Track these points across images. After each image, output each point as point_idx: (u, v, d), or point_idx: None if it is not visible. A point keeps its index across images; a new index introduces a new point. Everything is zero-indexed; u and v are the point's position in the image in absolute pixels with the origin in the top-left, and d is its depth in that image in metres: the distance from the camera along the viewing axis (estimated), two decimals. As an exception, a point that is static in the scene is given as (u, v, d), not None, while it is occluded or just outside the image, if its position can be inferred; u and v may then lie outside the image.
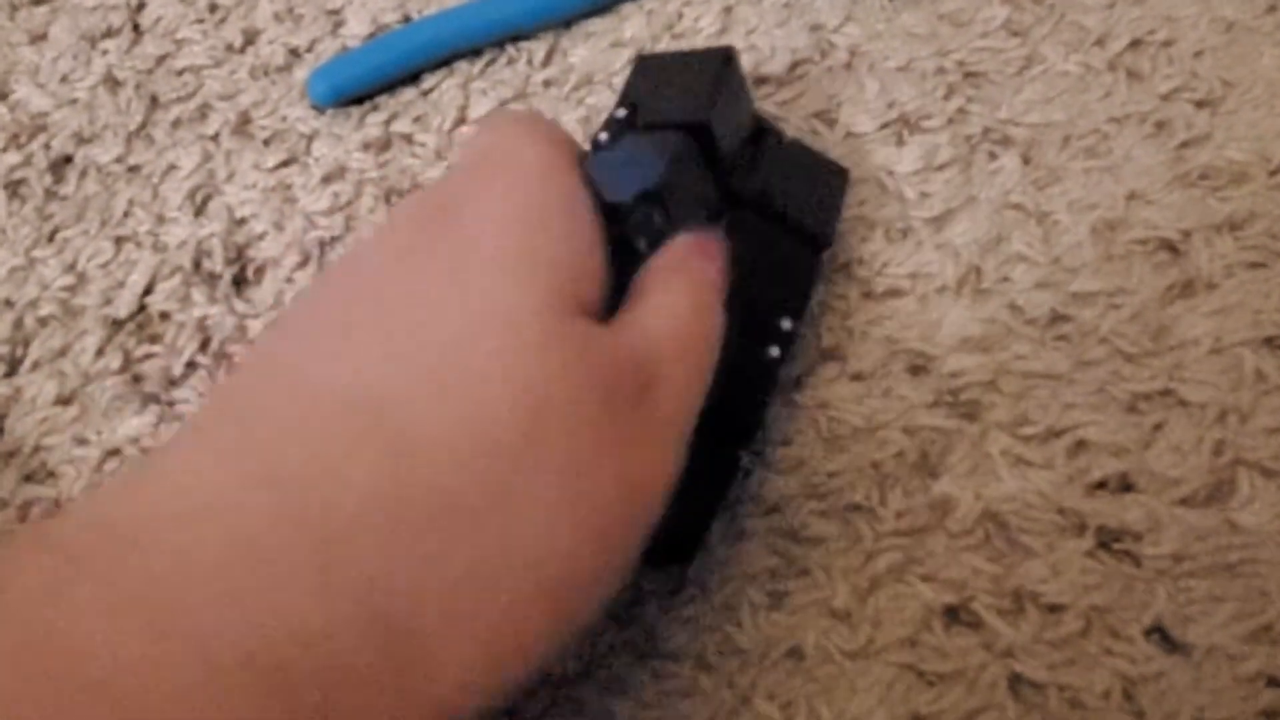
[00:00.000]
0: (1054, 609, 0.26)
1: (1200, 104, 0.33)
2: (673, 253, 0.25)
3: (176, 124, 0.36)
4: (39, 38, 0.38)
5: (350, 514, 0.18)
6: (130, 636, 0.16)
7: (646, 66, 0.29)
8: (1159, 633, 0.26)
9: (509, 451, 0.19)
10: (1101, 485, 0.27)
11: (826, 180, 0.31)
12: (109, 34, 0.38)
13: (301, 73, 0.36)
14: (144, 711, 0.15)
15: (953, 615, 0.26)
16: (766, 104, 0.34)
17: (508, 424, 0.19)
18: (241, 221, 0.34)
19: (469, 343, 0.20)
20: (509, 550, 0.18)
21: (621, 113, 0.28)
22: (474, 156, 0.24)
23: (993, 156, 0.32)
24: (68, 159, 0.35)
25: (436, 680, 0.17)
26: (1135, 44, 0.34)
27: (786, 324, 0.28)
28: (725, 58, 0.28)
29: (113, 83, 0.36)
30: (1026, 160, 0.32)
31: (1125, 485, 0.27)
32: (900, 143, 0.33)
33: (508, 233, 0.22)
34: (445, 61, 0.36)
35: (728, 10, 0.36)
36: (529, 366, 0.20)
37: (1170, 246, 0.30)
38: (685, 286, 0.24)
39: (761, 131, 0.30)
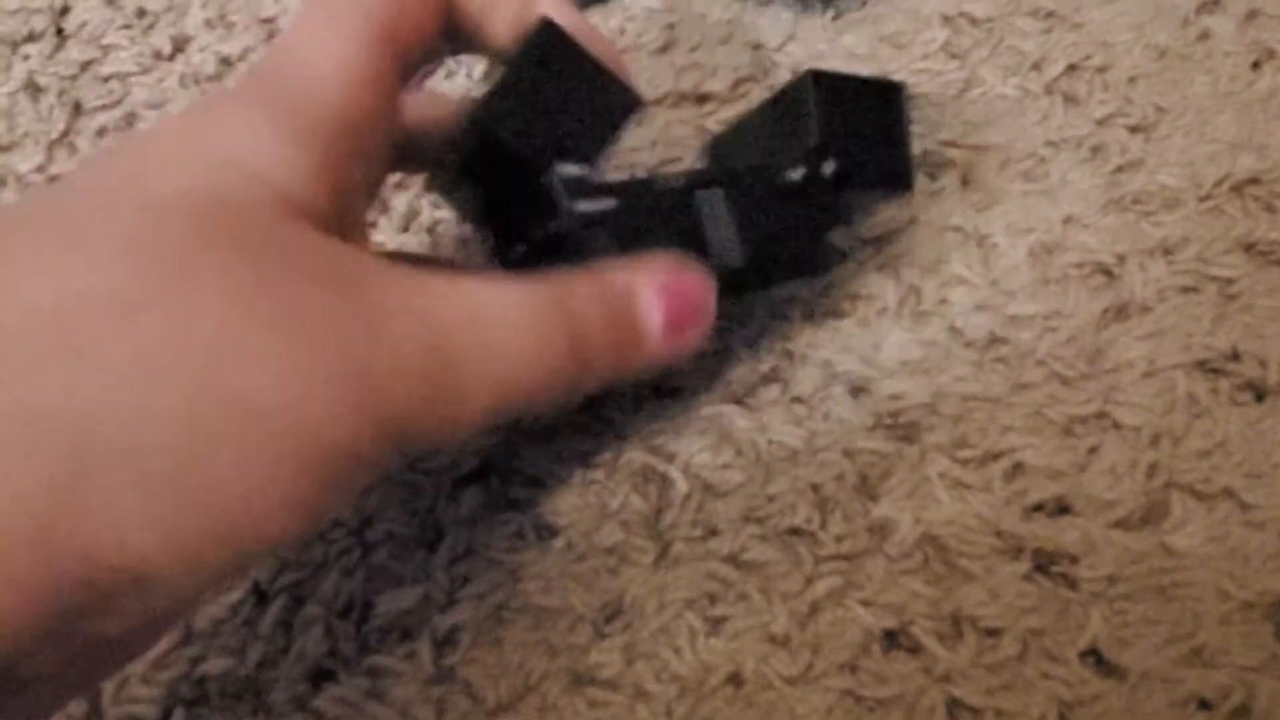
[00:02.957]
0: (991, 633, 0.26)
1: (1134, 129, 0.33)
2: (618, 279, 0.22)
3: (101, 132, 0.34)
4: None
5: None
6: None
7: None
8: (1094, 656, 0.26)
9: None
10: (1039, 508, 0.27)
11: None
12: (31, 38, 0.36)
13: (232, 82, 0.35)
14: None
15: (892, 640, 0.26)
16: (708, 121, 0.34)
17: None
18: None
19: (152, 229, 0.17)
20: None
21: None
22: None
23: (932, 178, 0.32)
24: (-15, 167, 0.34)
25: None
26: (1071, 69, 0.34)
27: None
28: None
29: (34, 89, 0.35)
30: (965, 182, 0.32)
31: (1062, 508, 0.27)
32: (841, 163, 0.33)
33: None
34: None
35: (670, 26, 0.35)
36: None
37: (1105, 270, 0.31)
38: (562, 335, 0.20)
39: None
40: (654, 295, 0.21)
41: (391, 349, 0.17)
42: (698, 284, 0.22)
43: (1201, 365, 0.29)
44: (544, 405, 0.20)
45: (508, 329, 0.19)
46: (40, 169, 0.34)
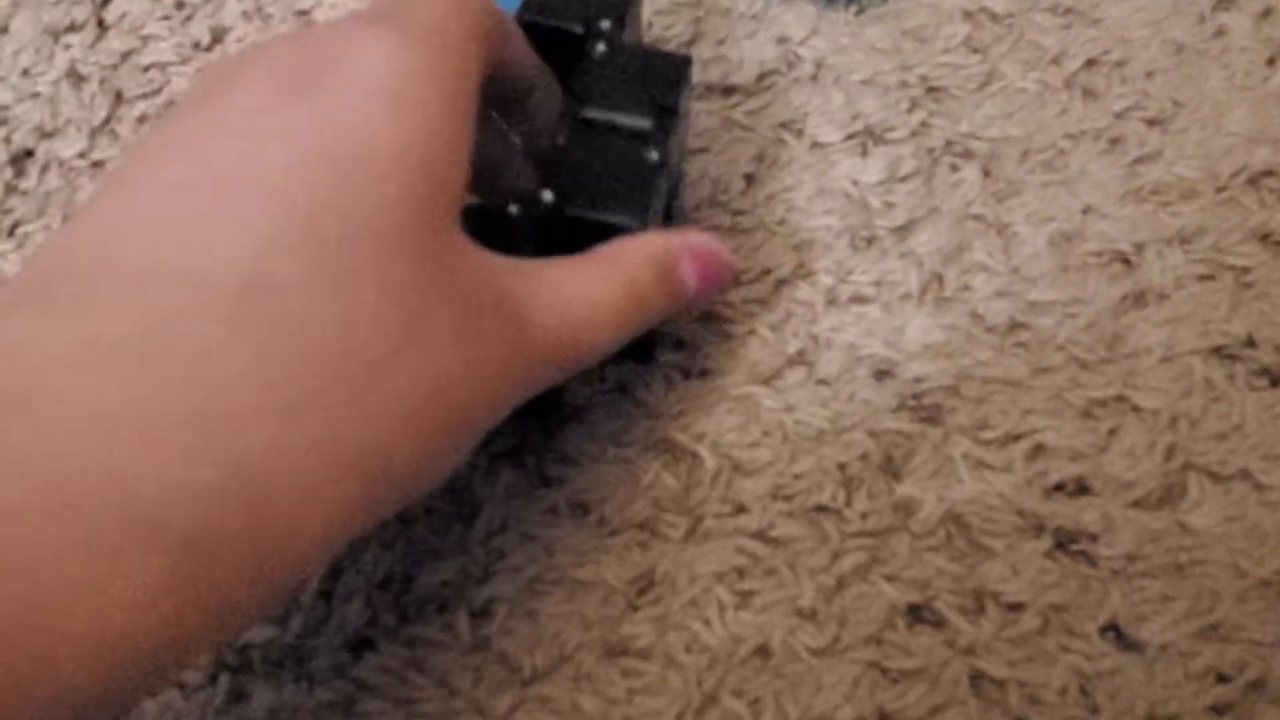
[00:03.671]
0: (1013, 608, 0.27)
1: (1152, 122, 0.34)
2: (667, 247, 0.26)
3: (141, 120, 0.35)
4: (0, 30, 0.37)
5: (213, 386, 0.18)
6: (9, 491, 0.16)
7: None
8: (1114, 631, 0.27)
9: (372, 355, 0.20)
10: (1059, 488, 0.28)
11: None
12: (72, 28, 0.37)
13: (270, 72, 0.36)
14: (29, 561, 0.16)
15: (916, 614, 0.27)
16: (735, 113, 0.34)
17: (374, 328, 0.20)
18: (208, 219, 0.33)
19: (339, 241, 0.20)
20: (362, 425, 0.20)
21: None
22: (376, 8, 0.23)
23: (954, 169, 0.33)
24: (29, 153, 0.35)
25: (296, 536, 0.19)
26: (1090, 63, 0.35)
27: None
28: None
29: (76, 77, 0.36)
30: (987, 173, 0.33)
31: (1082, 488, 0.28)
32: (865, 154, 0.33)
33: (381, 114, 0.21)
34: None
35: (697, 20, 0.36)
36: (402, 275, 0.20)
37: (1124, 258, 0.31)
38: (629, 296, 0.25)
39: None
40: (690, 261, 0.26)
41: (534, 331, 0.23)
42: (721, 250, 0.27)
43: (1218, 351, 0.30)
44: (619, 345, 0.25)
45: (596, 305, 0.24)
46: (82, 154, 0.35)
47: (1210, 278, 0.31)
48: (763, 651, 0.27)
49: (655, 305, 0.25)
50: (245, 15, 0.37)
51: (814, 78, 0.35)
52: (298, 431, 0.19)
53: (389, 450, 0.20)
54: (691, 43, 0.36)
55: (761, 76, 0.35)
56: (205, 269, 0.19)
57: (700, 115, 0.34)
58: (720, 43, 0.36)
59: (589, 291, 0.24)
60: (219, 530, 0.17)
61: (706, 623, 0.27)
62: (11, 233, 0.33)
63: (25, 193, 0.34)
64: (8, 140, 0.35)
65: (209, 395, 0.18)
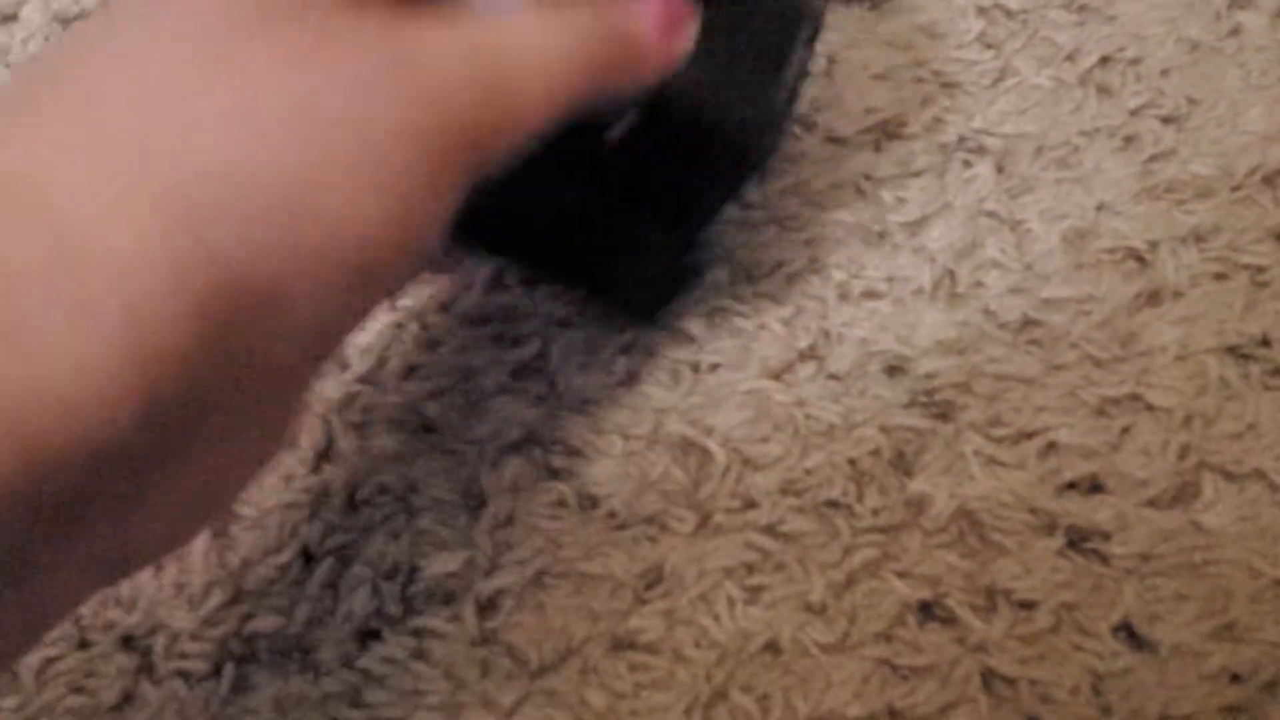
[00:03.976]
0: (1025, 605, 0.27)
1: (1166, 120, 0.33)
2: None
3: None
4: (9, 18, 0.37)
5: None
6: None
7: None
8: (1126, 630, 0.26)
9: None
10: (1072, 486, 0.28)
11: None
12: (81, 16, 0.37)
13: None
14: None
15: (927, 611, 0.27)
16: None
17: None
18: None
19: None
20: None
21: None
22: None
23: (967, 165, 0.33)
24: (37, 140, 0.35)
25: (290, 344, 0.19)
26: (1105, 60, 0.35)
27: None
28: None
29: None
30: (1000, 169, 0.33)
31: (1094, 486, 0.28)
32: (878, 149, 0.33)
33: None
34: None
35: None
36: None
37: (1138, 256, 0.31)
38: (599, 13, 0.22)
39: None
40: (648, 14, 0.24)
41: (457, 81, 0.20)
42: (678, 4, 0.25)
43: (1233, 350, 0.30)
44: (576, 110, 0.22)
45: (541, 53, 0.22)
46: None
47: (1225, 276, 0.31)
48: (772, 647, 0.26)
49: (605, 59, 0.23)
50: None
51: (827, 72, 0.35)
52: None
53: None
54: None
55: (774, 70, 0.35)
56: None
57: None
58: (733, 36, 0.36)
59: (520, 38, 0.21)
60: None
61: (715, 618, 0.27)
62: (19, 219, 0.33)
63: (33, 179, 0.34)
64: (16, 127, 0.35)
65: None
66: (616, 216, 0.27)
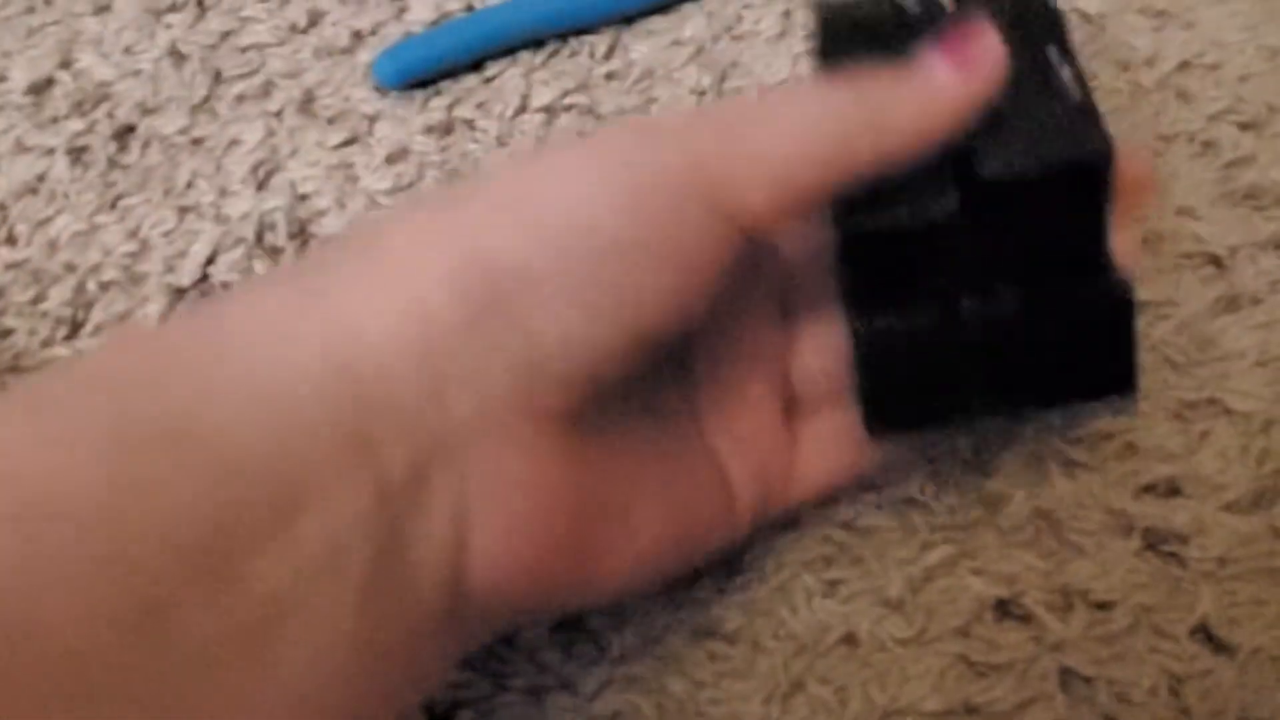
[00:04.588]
0: (1102, 606, 0.27)
1: (1245, 126, 0.34)
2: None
3: (240, 99, 0.36)
4: (103, 9, 0.38)
5: None
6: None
7: None
8: (1204, 632, 0.26)
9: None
10: (1150, 489, 0.28)
11: None
12: (173, 9, 0.38)
13: (364, 55, 0.37)
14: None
15: (1003, 609, 0.27)
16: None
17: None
18: (304, 197, 0.34)
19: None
20: None
21: None
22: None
23: (1045, 168, 0.33)
24: (131, 129, 0.36)
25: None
26: (1183, 66, 0.35)
27: None
28: None
29: (177, 56, 0.37)
30: (1078, 173, 0.33)
31: (1173, 489, 0.28)
32: (955, 150, 0.33)
33: None
34: (508, 50, 0.36)
35: (787, 14, 0.36)
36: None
37: (1216, 261, 0.31)
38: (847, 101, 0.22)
39: None
40: (932, 52, 0.22)
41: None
42: (975, 24, 0.23)
43: (1312, 357, 0.30)
44: (869, 169, 0.22)
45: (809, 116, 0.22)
46: (183, 131, 0.35)
47: (1304, 284, 0.31)
48: (849, 640, 0.27)
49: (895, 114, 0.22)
50: (341, 0, 0.38)
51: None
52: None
53: None
54: (781, 35, 0.36)
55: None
56: None
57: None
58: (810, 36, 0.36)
59: None
60: None
61: (793, 609, 0.27)
62: (114, 205, 0.34)
63: (127, 167, 0.35)
64: (111, 116, 0.36)
65: None
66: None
